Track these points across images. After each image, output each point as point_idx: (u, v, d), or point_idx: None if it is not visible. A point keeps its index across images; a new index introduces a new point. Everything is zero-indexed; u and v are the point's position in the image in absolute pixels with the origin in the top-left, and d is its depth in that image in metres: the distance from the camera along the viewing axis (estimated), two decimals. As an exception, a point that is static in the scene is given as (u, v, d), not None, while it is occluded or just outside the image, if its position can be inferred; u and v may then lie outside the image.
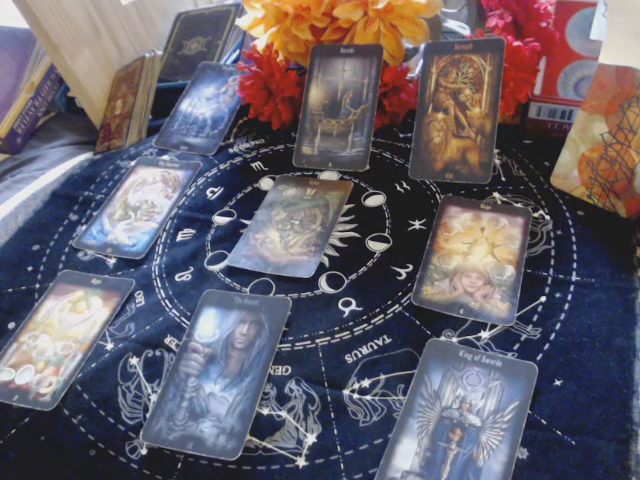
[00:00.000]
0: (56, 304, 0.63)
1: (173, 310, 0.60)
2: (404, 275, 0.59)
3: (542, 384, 0.47)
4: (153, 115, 0.92)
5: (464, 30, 0.79)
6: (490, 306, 0.54)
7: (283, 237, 0.64)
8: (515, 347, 0.51)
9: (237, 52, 0.96)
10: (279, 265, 0.61)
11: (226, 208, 0.71)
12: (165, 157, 0.81)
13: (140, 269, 0.66)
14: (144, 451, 0.49)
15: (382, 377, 0.50)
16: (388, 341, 0.53)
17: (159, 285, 0.63)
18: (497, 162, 0.68)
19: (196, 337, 0.56)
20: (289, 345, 0.54)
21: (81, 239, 0.71)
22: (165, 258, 0.66)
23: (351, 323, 0.55)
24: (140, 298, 0.62)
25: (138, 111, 0.90)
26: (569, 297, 0.53)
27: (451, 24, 0.80)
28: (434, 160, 0.68)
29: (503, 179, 0.66)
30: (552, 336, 0.51)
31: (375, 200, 0.68)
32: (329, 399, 0.50)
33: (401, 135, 0.76)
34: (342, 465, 0.46)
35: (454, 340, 0.52)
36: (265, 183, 0.73)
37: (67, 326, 0.60)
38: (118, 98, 0.94)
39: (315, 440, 0.48)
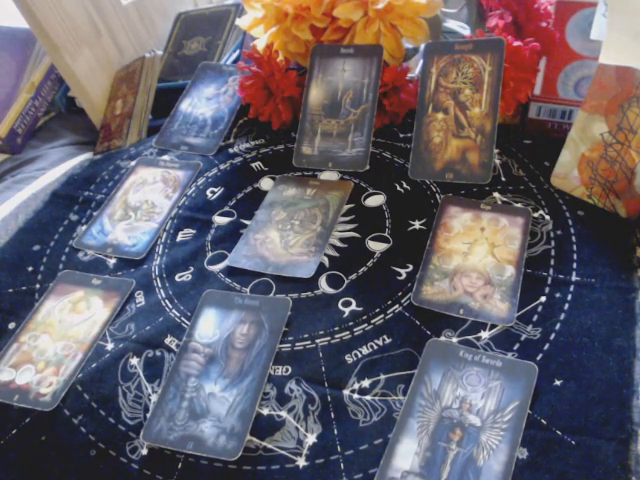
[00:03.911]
0: (56, 304, 0.63)
1: (173, 310, 0.60)
2: (404, 275, 0.59)
3: (542, 384, 0.47)
4: (153, 115, 0.92)
5: (464, 30, 0.79)
6: (490, 306, 0.54)
7: (283, 237, 0.65)
8: (515, 347, 0.51)
9: (237, 52, 0.96)
10: (279, 265, 0.61)
11: (226, 208, 0.71)
12: (165, 157, 0.81)
13: (140, 269, 0.66)
14: (144, 451, 0.49)
15: (382, 377, 0.51)
16: (388, 341, 0.53)
17: (159, 285, 0.63)
18: (497, 162, 0.68)
19: (196, 337, 0.56)
20: (289, 345, 0.54)
21: (81, 239, 0.71)
22: (165, 258, 0.66)
23: (351, 323, 0.55)
24: (140, 298, 0.62)
25: (138, 111, 0.90)
26: (569, 297, 0.53)
27: (451, 24, 0.80)
28: (434, 160, 0.68)
29: (503, 179, 0.66)
30: (552, 336, 0.51)
31: (375, 200, 0.68)
32: (329, 399, 0.50)
33: (401, 135, 0.76)
34: (342, 465, 0.46)
35: (454, 340, 0.52)
36: (265, 183, 0.73)
37: (67, 326, 0.60)
38: (118, 98, 0.94)
39: (315, 440, 0.48)
